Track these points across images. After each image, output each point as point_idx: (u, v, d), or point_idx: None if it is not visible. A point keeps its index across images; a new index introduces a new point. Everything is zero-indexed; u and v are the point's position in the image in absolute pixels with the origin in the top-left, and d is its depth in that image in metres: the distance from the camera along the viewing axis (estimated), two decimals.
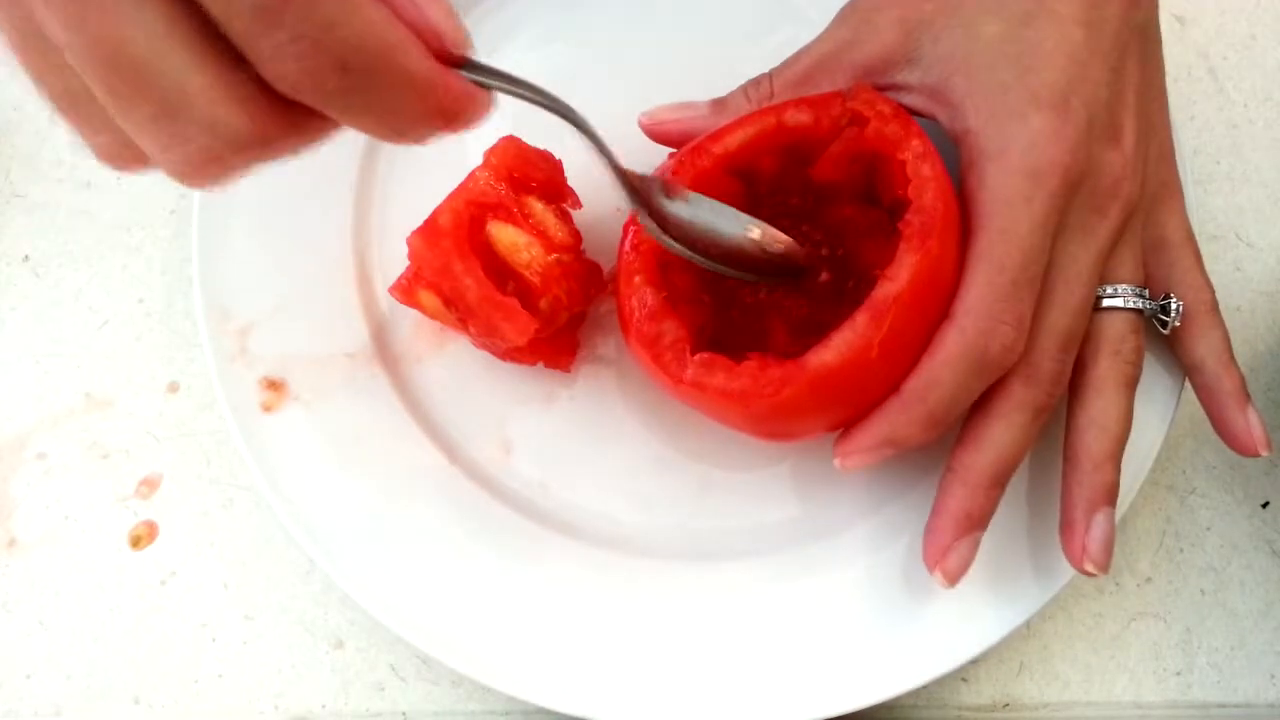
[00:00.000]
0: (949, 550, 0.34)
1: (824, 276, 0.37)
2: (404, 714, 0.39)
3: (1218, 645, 0.40)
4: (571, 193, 0.39)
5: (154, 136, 0.24)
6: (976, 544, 0.34)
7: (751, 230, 0.36)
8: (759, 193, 0.38)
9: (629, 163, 0.34)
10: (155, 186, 0.45)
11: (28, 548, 0.41)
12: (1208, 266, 0.37)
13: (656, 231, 0.35)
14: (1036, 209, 0.32)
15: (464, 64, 0.26)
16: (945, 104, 0.35)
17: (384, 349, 0.40)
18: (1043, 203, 0.33)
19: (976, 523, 0.34)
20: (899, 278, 0.32)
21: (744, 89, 0.38)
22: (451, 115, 0.26)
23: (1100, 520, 0.34)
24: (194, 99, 0.22)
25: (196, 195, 0.40)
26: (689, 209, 0.35)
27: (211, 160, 0.24)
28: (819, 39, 0.38)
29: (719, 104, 0.38)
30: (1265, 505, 0.42)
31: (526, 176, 0.38)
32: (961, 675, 0.39)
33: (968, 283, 0.33)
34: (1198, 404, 0.37)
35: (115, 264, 0.44)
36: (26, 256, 0.44)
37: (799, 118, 0.36)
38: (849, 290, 0.36)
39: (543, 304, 0.37)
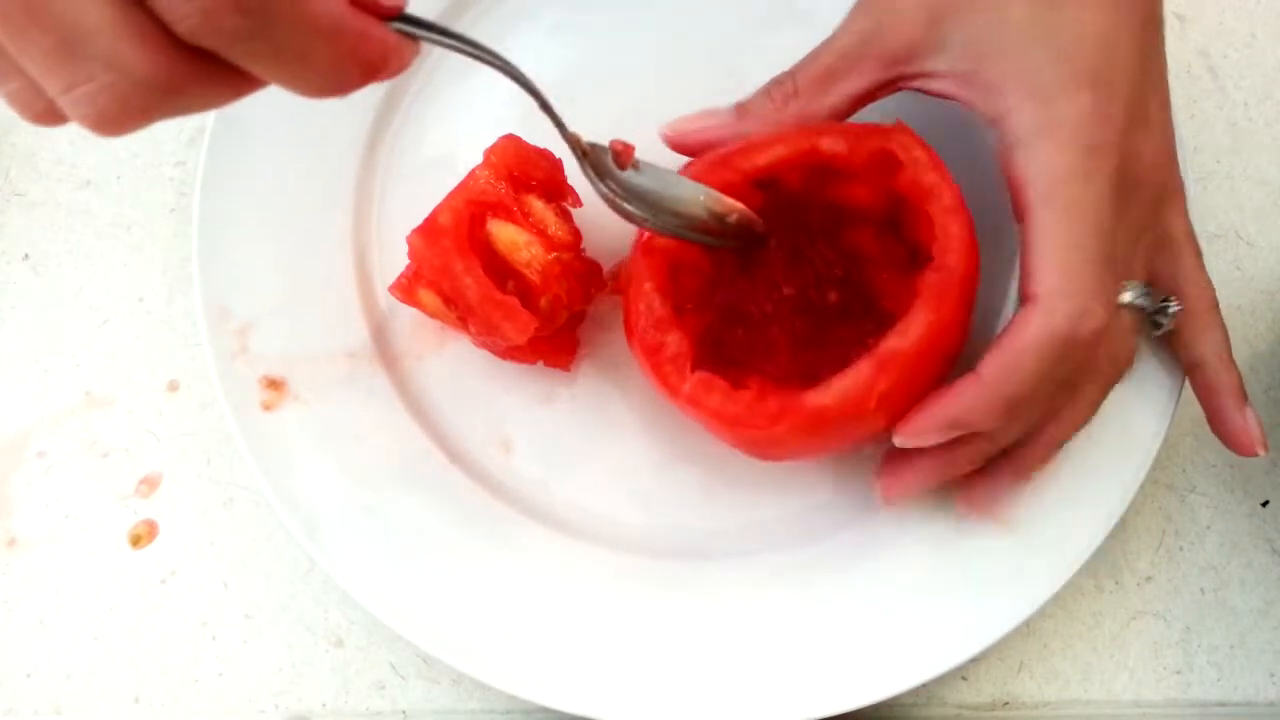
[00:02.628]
0: (927, 435, 0.33)
1: (833, 298, 0.37)
2: (404, 712, 0.39)
3: (1217, 644, 0.40)
4: (572, 191, 0.39)
5: (56, 75, 0.23)
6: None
7: (704, 198, 0.35)
8: (780, 204, 0.37)
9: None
10: (156, 185, 0.45)
11: (28, 546, 0.41)
12: (1208, 265, 0.37)
13: (612, 199, 0.34)
14: (1100, 186, 0.32)
15: (395, 14, 0.25)
16: (979, 87, 0.34)
17: (384, 348, 0.40)
18: (1102, 181, 0.32)
19: (961, 429, 0.33)
20: (909, 334, 0.32)
21: (766, 90, 0.37)
22: (368, 65, 0.25)
23: (1004, 483, 0.35)
24: (92, 34, 0.22)
25: (197, 194, 0.40)
26: (641, 178, 0.34)
27: (119, 106, 0.23)
28: (840, 31, 0.37)
29: (742, 108, 0.37)
30: (1265, 504, 0.42)
31: (526, 175, 0.38)
32: (961, 673, 0.39)
33: (1042, 264, 0.31)
34: (1198, 402, 0.37)
35: (115, 262, 0.44)
36: (26, 255, 0.44)
37: (834, 146, 0.35)
38: (855, 316, 0.36)
39: (543, 303, 0.37)
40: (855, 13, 0.37)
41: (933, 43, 0.35)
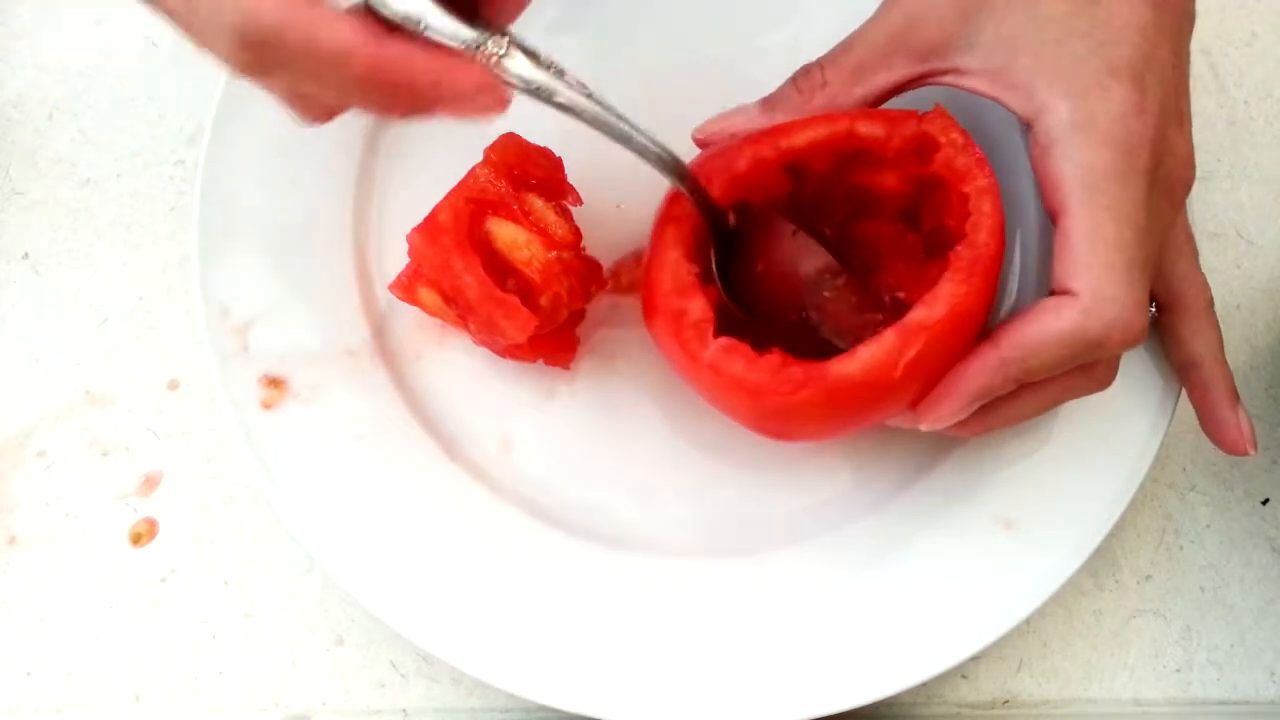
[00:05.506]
0: (954, 413, 0.33)
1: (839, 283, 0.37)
2: (404, 711, 0.39)
3: (1217, 642, 0.40)
4: (572, 189, 0.39)
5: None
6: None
7: None
8: (804, 194, 0.37)
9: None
10: (156, 184, 0.45)
11: (28, 545, 0.41)
12: (1208, 264, 0.37)
13: None
14: (1138, 186, 0.31)
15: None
16: (1011, 86, 0.33)
17: (384, 346, 0.40)
18: (1139, 181, 0.31)
19: (985, 397, 0.33)
20: (937, 304, 0.32)
21: (793, 81, 0.37)
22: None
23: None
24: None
25: (197, 192, 0.40)
26: None
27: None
28: (871, 23, 0.36)
29: (769, 102, 0.37)
30: (1265, 502, 0.42)
31: (526, 173, 0.38)
32: (961, 672, 0.39)
33: (1085, 263, 0.31)
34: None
35: (115, 261, 0.44)
36: (26, 254, 0.44)
37: (872, 130, 0.35)
38: (859, 304, 0.36)
39: (543, 301, 0.37)
40: (887, 5, 0.36)
41: (964, 38, 0.34)
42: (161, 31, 0.47)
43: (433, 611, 0.36)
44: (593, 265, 0.39)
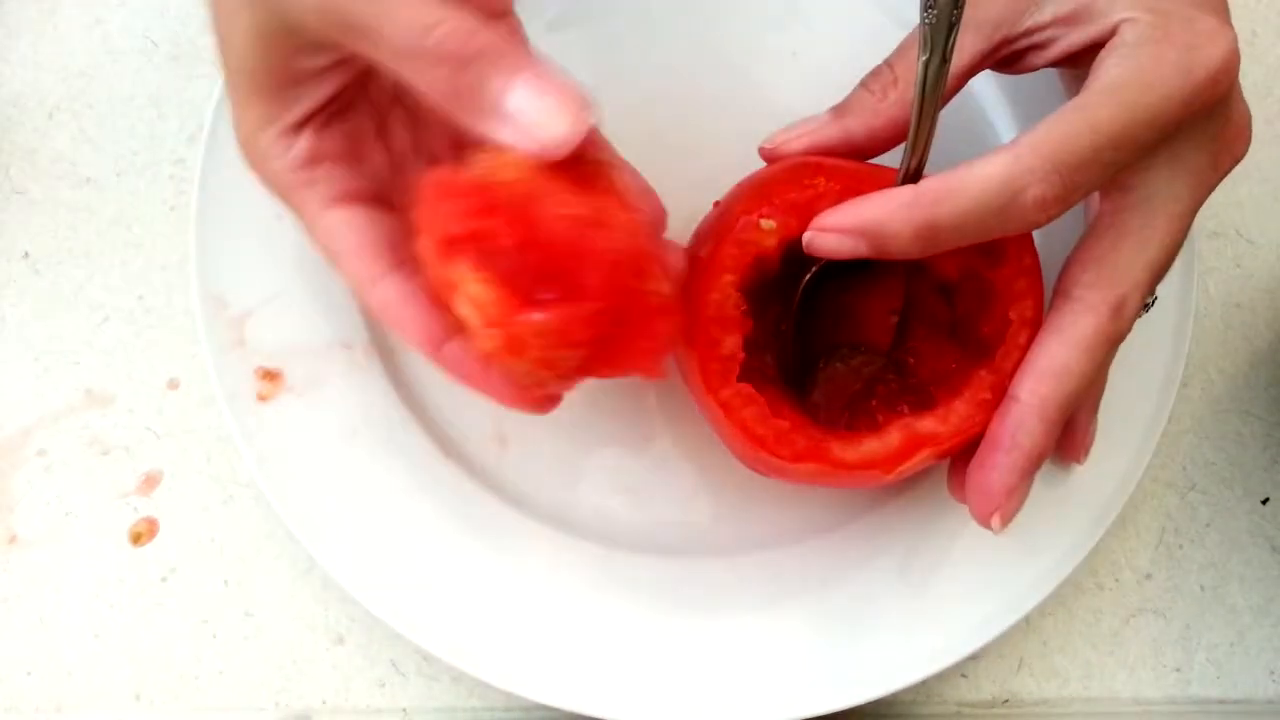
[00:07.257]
0: (1014, 492, 0.31)
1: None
2: (404, 710, 0.39)
3: (1217, 641, 0.40)
4: None
5: None
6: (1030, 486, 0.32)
7: None
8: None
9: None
10: (156, 183, 0.45)
11: (28, 544, 0.41)
12: (1208, 263, 0.37)
13: None
14: (1176, 102, 0.30)
15: None
16: (1089, 19, 0.32)
17: (380, 340, 0.40)
18: (1186, 103, 0.30)
19: (1040, 462, 0.32)
20: (949, 422, 0.33)
21: (864, 84, 0.35)
22: None
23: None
24: None
25: (196, 184, 0.40)
26: None
27: None
28: None
29: (841, 108, 0.35)
30: (1265, 501, 0.42)
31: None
32: (961, 671, 0.39)
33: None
34: (1197, 399, 0.37)
35: (115, 260, 0.44)
36: (26, 253, 0.44)
37: None
38: (882, 369, 0.37)
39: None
40: None
41: None
42: (162, 30, 0.47)
43: (431, 610, 0.36)
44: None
